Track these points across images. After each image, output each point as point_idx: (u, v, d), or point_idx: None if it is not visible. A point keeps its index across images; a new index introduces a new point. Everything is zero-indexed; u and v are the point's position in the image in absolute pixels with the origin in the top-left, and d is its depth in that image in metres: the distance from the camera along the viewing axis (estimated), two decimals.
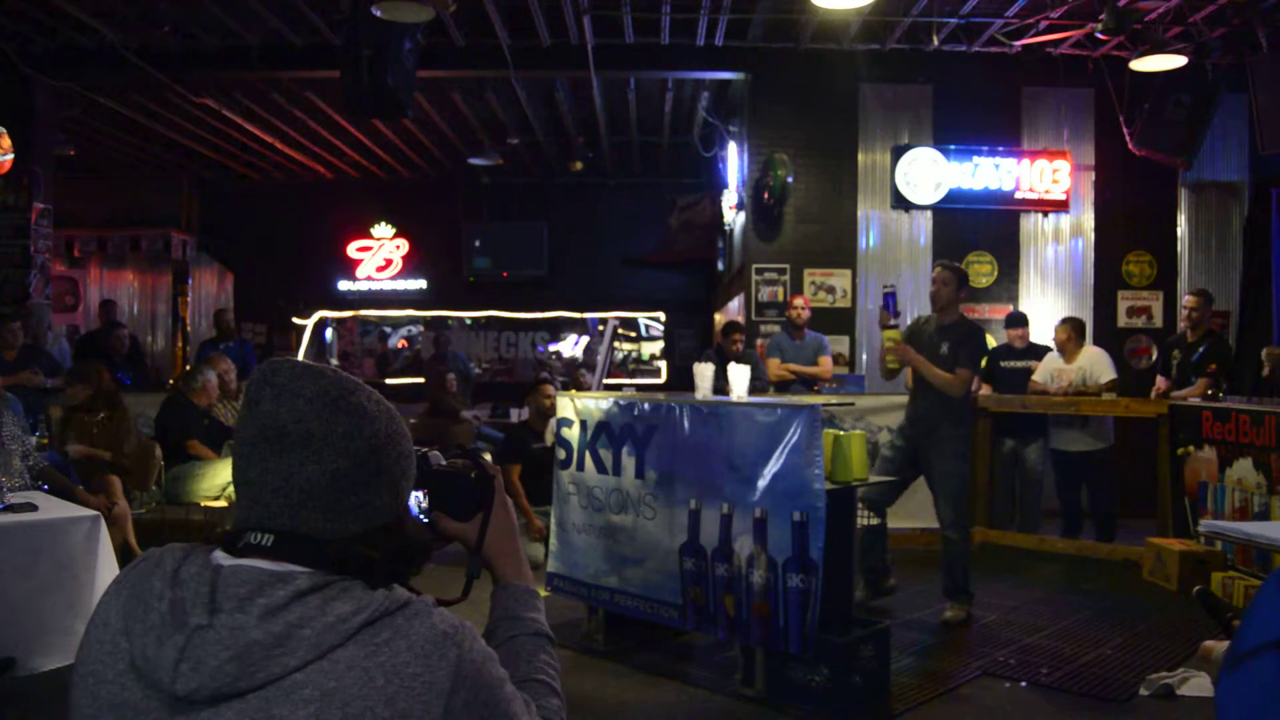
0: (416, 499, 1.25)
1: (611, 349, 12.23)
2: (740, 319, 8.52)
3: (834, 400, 5.65)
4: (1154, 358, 8.68)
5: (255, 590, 1.00)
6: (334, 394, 1.07)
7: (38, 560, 3.91)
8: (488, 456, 1.34)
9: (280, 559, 1.04)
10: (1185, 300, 6.99)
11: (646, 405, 4.34)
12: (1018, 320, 7.50)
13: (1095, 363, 6.84)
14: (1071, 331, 6.90)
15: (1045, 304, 8.53)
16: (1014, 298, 8.63)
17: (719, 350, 7.38)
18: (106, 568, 4.01)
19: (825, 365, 7.45)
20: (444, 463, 1.30)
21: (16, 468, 4.76)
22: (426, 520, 1.27)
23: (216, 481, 6.05)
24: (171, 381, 9.47)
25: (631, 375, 13.27)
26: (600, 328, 13.25)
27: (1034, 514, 7.19)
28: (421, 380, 12.15)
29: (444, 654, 1.02)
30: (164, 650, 0.98)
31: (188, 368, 8.56)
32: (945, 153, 8.45)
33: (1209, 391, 6.32)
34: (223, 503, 5.99)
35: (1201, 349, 6.60)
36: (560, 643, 4.52)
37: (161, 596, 1.02)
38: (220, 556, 1.06)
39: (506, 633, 1.28)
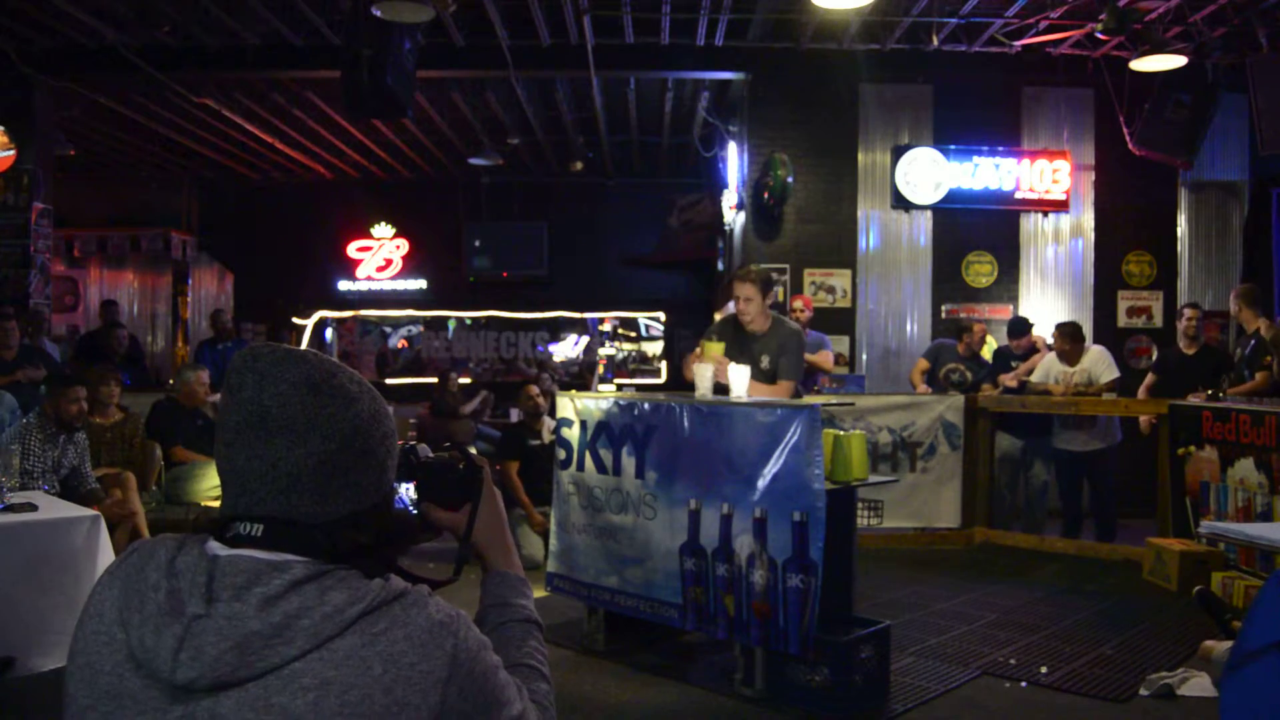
0: (405, 490, 1.27)
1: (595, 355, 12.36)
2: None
3: (834, 400, 5.64)
4: (1154, 358, 8.68)
5: (252, 579, 1.00)
6: (316, 377, 1.07)
7: (38, 560, 3.91)
8: (473, 450, 1.36)
9: (272, 548, 1.04)
10: (1187, 313, 6.96)
11: (646, 405, 4.34)
12: (1019, 328, 7.50)
13: (1097, 362, 6.85)
14: (1069, 339, 6.88)
15: (1045, 304, 8.54)
16: (1014, 298, 8.64)
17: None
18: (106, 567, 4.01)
19: (825, 357, 7.35)
20: (432, 455, 1.32)
21: (16, 467, 4.76)
22: (415, 511, 1.29)
23: (216, 481, 6.05)
24: (171, 381, 9.46)
25: (631, 375, 13.27)
26: (599, 328, 13.26)
27: (1040, 514, 7.21)
28: (421, 380, 12.16)
29: (440, 643, 1.04)
30: (162, 640, 0.99)
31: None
32: (945, 153, 8.45)
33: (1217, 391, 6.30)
34: None
35: (1253, 342, 6.53)
36: (560, 643, 4.55)
37: (158, 587, 1.02)
38: (215, 546, 1.06)
39: (497, 619, 1.30)
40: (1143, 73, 7.48)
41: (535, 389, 6.79)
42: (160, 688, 0.99)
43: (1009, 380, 7.31)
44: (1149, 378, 7.10)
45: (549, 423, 6.14)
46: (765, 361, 4.78)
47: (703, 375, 4.44)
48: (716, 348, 4.62)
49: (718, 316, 5.47)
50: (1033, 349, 7.44)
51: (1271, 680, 1.24)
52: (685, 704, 3.92)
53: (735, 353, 4.78)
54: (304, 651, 0.98)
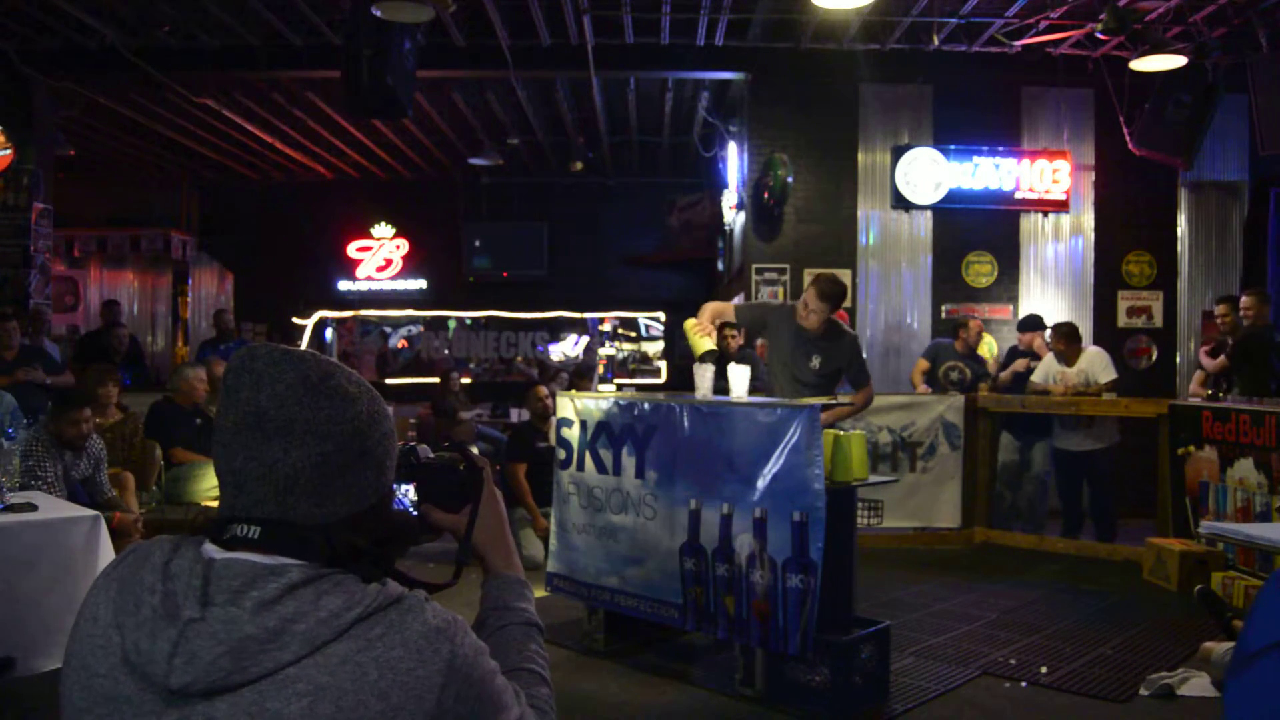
0: (405, 492, 1.26)
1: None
2: None
3: (834, 401, 5.63)
4: (1154, 358, 8.69)
5: (247, 583, 1.00)
6: (314, 378, 1.06)
7: (38, 560, 3.90)
8: (475, 451, 1.35)
9: (269, 551, 1.03)
10: (1239, 303, 6.90)
11: (646, 405, 4.34)
12: (1025, 324, 7.53)
13: (1094, 363, 6.85)
14: (1066, 340, 6.88)
15: (1045, 304, 8.53)
16: (1014, 298, 8.64)
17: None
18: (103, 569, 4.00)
19: None
20: (432, 456, 1.31)
21: (16, 467, 4.75)
22: (415, 513, 1.28)
23: (216, 481, 6.03)
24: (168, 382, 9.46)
25: (631, 375, 13.27)
26: (599, 328, 13.26)
27: (1040, 514, 7.21)
28: (421, 380, 12.17)
29: (437, 649, 1.03)
30: (157, 644, 0.98)
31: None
32: (945, 153, 8.45)
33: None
34: None
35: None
36: (560, 643, 4.55)
37: (153, 590, 1.01)
38: (211, 549, 1.05)
39: (497, 622, 1.29)
40: (1143, 73, 7.47)
41: (544, 390, 6.76)
42: (155, 691, 0.98)
43: (1004, 376, 7.38)
44: (1218, 361, 6.80)
45: (553, 424, 6.13)
46: (816, 362, 4.84)
47: (703, 375, 4.44)
48: (699, 342, 4.65)
49: None
50: (1029, 350, 7.47)
51: (1272, 680, 1.24)
52: (685, 704, 3.92)
53: (788, 343, 4.86)
54: (299, 656, 0.97)
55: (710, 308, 4.88)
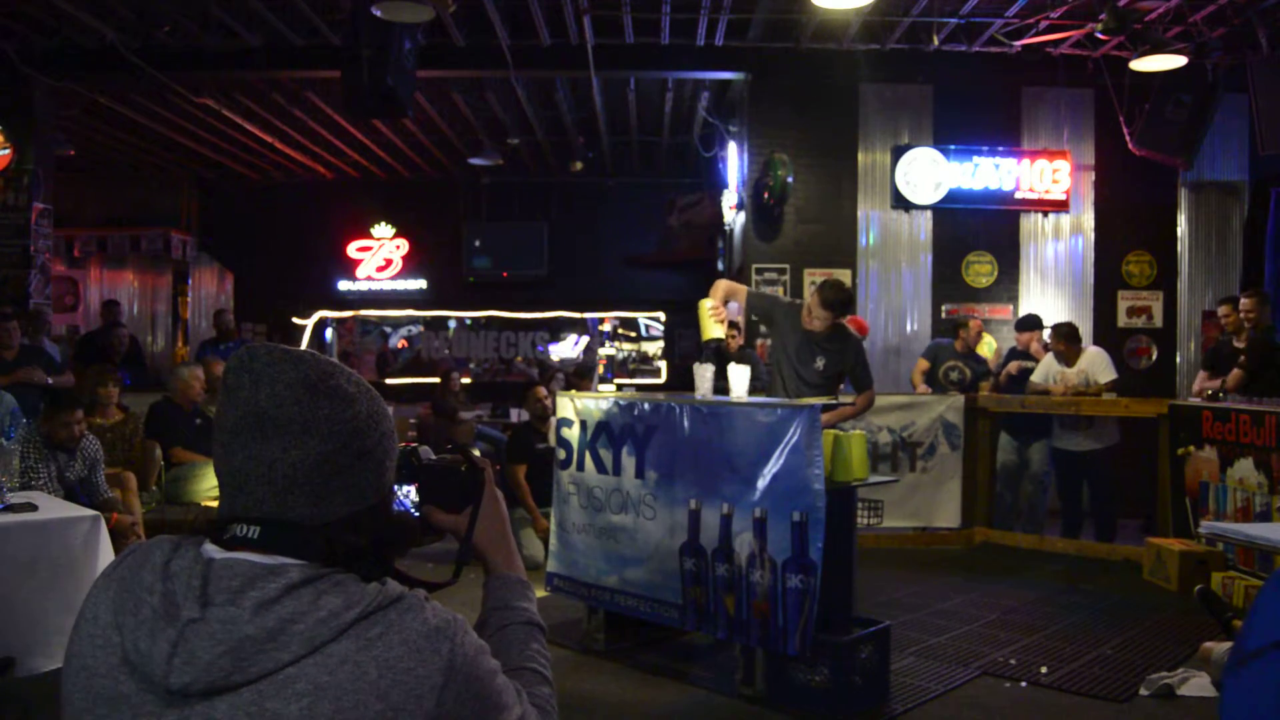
0: (407, 493, 1.27)
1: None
2: (740, 319, 8.52)
3: (835, 401, 5.64)
4: (1154, 358, 8.69)
5: (247, 583, 1.00)
6: (313, 378, 1.06)
7: (38, 560, 3.90)
8: (476, 453, 1.35)
9: (269, 550, 1.03)
10: (1221, 310, 6.91)
11: (646, 405, 4.34)
12: (1023, 324, 7.53)
13: (1094, 363, 6.84)
14: (1066, 340, 6.88)
15: (1045, 304, 8.53)
16: (1014, 298, 8.64)
17: (719, 350, 7.36)
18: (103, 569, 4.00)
19: None
20: (434, 457, 1.31)
21: (16, 467, 4.75)
22: (417, 514, 1.29)
23: (216, 481, 6.02)
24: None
25: (631, 375, 13.27)
26: (599, 328, 13.26)
27: (1040, 514, 7.21)
28: (421, 380, 12.17)
29: (437, 648, 1.03)
30: (157, 644, 0.98)
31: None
32: (945, 153, 8.45)
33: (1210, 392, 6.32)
34: None
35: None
36: (560, 643, 4.55)
37: (153, 590, 1.01)
38: (211, 549, 1.05)
39: (499, 622, 1.29)
40: (1143, 73, 7.47)
41: (543, 390, 6.77)
42: (155, 692, 0.98)
43: (999, 379, 7.38)
44: (1234, 374, 6.59)
45: (553, 424, 6.14)
46: (820, 363, 4.86)
47: (702, 376, 4.44)
48: (710, 326, 4.73)
49: None
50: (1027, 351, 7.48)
51: (1271, 680, 1.24)
52: (685, 704, 3.92)
53: (794, 342, 4.88)
54: (298, 656, 0.97)
55: (723, 286, 4.95)
